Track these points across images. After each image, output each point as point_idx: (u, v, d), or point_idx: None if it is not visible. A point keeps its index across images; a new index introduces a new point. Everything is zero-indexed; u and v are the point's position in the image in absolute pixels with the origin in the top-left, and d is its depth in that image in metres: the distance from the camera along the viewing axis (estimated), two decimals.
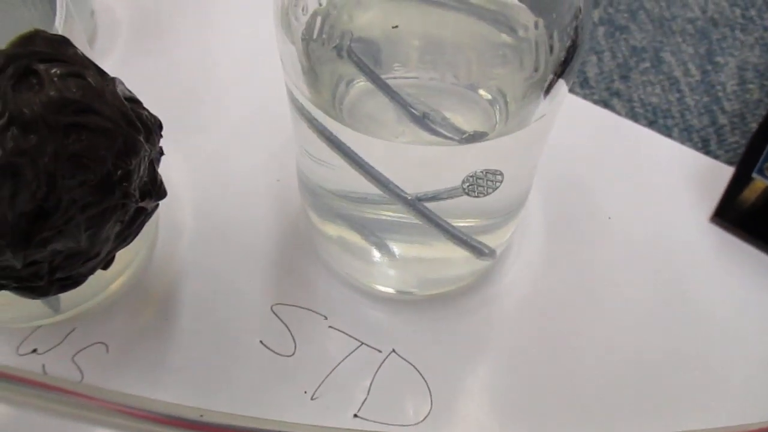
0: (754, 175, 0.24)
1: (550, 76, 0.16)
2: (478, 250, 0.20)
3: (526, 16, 0.17)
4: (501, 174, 0.18)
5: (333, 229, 0.22)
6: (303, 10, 0.17)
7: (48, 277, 0.16)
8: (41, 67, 0.14)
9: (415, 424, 0.20)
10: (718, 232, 0.24)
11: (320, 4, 0.17)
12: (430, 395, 0.21)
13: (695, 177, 0.26)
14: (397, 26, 0.18)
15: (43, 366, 0.21)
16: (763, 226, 0.24)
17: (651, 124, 0.28)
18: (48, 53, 0.15)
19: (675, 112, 0.28)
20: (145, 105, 0.17)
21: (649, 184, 0.26)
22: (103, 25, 0.29)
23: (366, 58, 0.18)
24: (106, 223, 0.16)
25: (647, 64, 0.30)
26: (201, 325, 0.22)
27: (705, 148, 0.27)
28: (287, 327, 0.22)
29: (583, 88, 0.29)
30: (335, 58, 0.17)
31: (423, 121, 0.18)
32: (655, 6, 0.32)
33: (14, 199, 0.13)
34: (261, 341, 0.22)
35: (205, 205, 0.25)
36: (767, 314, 0.22)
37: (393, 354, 0.22)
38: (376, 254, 0.21)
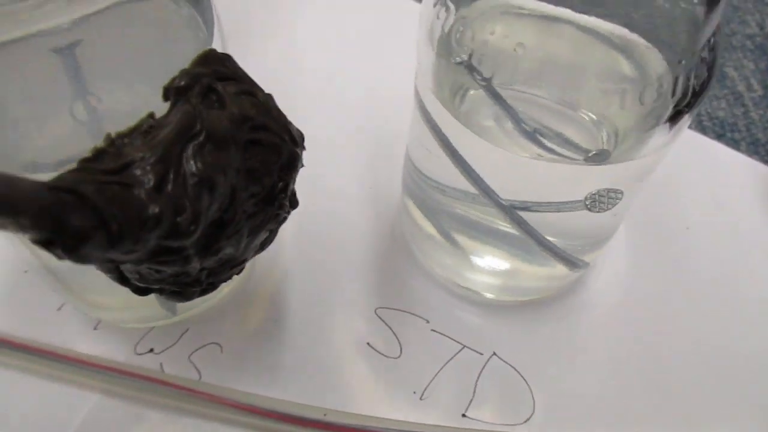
0: None
1: (675, 109, 0.17)
2: (574, 263, 0.21)
3: (655, 58, 0.17)
4: (621, 192, 0.19)
5: (435, 231, 0.23)
6: (443, 23, 0.19)
7: (205, 283, 0.17)
8: (219, 85, 0.15)
9: (521, 423, 0.21)
10: None
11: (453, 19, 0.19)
12: (532, 396, 0.22)
13: (764, 188, 0.27)
14: (521, 44, 0.19)
15: (161, 365, 0.22)
16: None
17: (719, 137, 0.29)
18: (223, 71, 0.16)
19: (741, 126, 0.29)
20: None
21: (723, 194, 0.27)
22: None
23: (485, 70, 0.19)
24: (261, 232, 0.17)
25: None
26: (309, 327, 0.23)
27: None
28: (392, 330, 0.23)
29: None
30: (457, 68, 0.19)
31: (533, 136, 0.19)
32: None
33: (207, 211, 0.14)
34: (368, 343, 0.23)
35: (303, 211, 0.25)
36: None
37: (494, 356, 0.23)
38: (476, 260, 0.22)
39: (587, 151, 0.18)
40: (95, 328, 0.23)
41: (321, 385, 0.22)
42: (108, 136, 0.14)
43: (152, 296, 0.21)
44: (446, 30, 0.19)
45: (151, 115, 0.15)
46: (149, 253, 0.13)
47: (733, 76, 0.31)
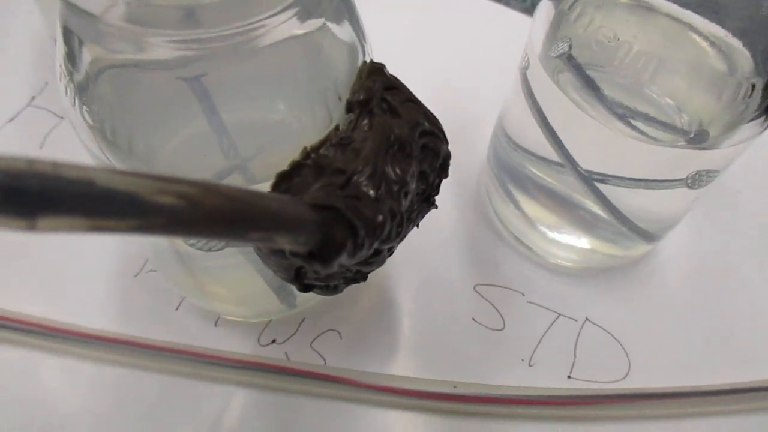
0: None
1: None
2: (652, 237, 0.24)
3: (745, 57, 0.19)
4: (718, 172, 0.21)
5: (520, 209, 0.24)
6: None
7: (357, 275, 0.18)
8: (387, 95, 0.16)
9: (621, 379, 0.24)
10: None
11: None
12: (626, 355, 0.24)
13: None
14: (618, 38, 0.20)
15: (286, 354, 0.23)
16: None
17: None
18: (387, 82, 0.17)
19: None
20: None
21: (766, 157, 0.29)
22: None
23: (581, 58, 0.20)
24: (411, 225, 0.18)
25: None
26: (418, 307, 0.24)
27: None
28: (492, 305, 0.25)
29: None
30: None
31: (627, 121, 0.21)
32: None
33: (405, 213, 0.16)
34: (473, 318, 0.24)
35: None
36: None
37: (587, 322, 0.25)
38: (558, 237, 0.24)
39: (685, 132, 0.20)
40: (216, 325, 0.24)
41: (437, 361, 0.23)
42: (304, 149, 0.15)
43: (271, 291, 0.23)
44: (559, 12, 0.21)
45: (336, 128, 0.16)
46: (366, 257, 0.15)
47: None
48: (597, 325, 0.25)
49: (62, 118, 0.28)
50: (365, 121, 0.15)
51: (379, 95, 0.16)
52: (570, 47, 0.21)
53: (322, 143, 0.16)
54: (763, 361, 0.24)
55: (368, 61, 0.17)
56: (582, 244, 0.24)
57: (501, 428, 0.22)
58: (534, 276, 0.25)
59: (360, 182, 0.14)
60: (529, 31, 0.22)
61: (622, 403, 0.23)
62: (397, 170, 0.15)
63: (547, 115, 0.22)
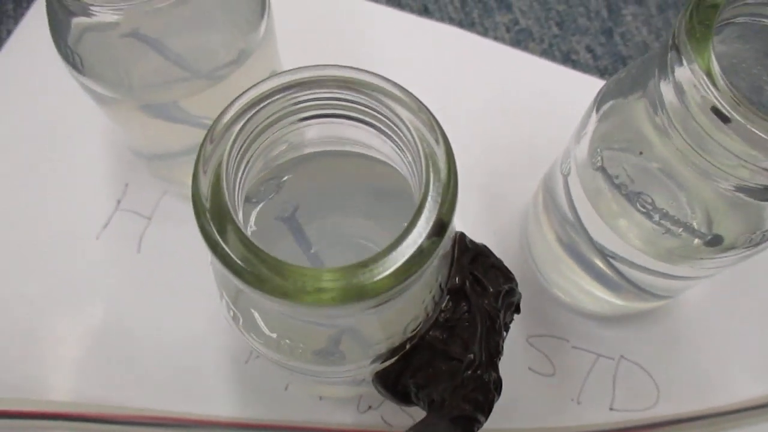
0: None
1: None
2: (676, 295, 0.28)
3: None
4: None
5: (567, 274, 0.29)
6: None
7: None
8: (474, 269, 0.20)
9: (652, 406, 0.29)
10: None
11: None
12: (656, 384, 0.29)
13: None
14: (641, 153, 0.24)
15: (382, 417, 0.28)
16: None
17: None
18: (471, 254, 0.21)
19: None
20: None
21: None
22: None
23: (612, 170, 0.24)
24: None
25: None
26: None
27: None
28: (543, 353, 0.30)
29: None
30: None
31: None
32: None
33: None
34: (529, 367, 0.29)
35: None
36: None
37: (622, 359, 0.30)
38: (600, 290, 0.29)
39: (702, 235, 0.24)
40: (320, 399, 0.29)
41: (502, 409, 0.29)
42: (418, 334, 0.20)
43: None
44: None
45: (443, 310, 0.20)
46: None
47: None
48: (630, 361, 0.30)
49: (149, 218, 0.31)
50: (464, 305, 0.20)
51: (469, 274, 0.20)
52: (602, 159, 0.24)
53: (432, 325, 0.20)
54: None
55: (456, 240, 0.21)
56: (614, 300, 0.29)
57: None
58: (576, 323, 0.30)
59: (474, 374, 0.18)
60: (572, 141, 0.25)
61: (655, 429, 0.28)
62: (492, 344, 0.19)
63: (580, 213, 0.25)
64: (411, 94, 0.17)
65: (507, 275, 0.21)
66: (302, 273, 0.15)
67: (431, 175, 0.16)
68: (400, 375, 0.20)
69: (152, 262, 0.30)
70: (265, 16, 0.25)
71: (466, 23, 0.36)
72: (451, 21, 0.36)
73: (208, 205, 0.16)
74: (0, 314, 0.29)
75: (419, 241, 0.15)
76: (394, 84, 0.17)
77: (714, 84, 0.18)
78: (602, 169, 0.24)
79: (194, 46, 0.24)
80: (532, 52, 0.36)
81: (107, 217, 0.31)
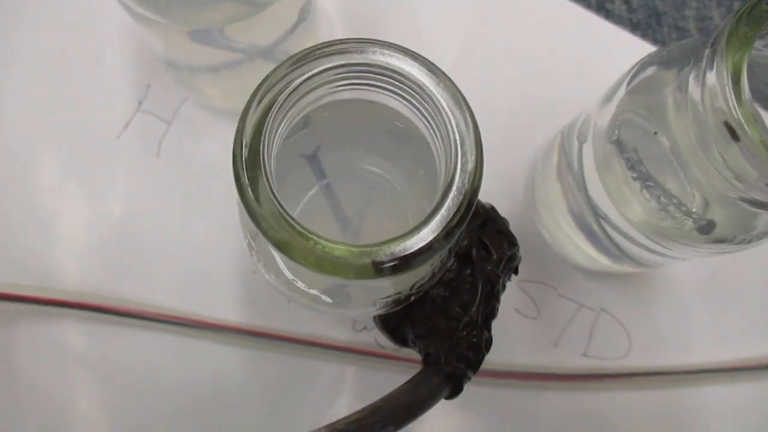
0: None
1: None
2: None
3: None
4: None
5: (566, 230, 0.30)
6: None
7: None
8: (486, 238, 0.22)
9: (622, 357, 0.32)
10: None
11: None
12: (629, 338, 0.32)
13: None
14: (656, 133, 0.24)
15: (375, 339, 0.31)
16: None
17: None
18: (481, 219, 0.22)
19: None
20: None
21: None
22: (324, 33, 0.33)
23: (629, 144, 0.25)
24: None
25: None
26: None
27: None
28: (531, 297, 0.32)
29: None
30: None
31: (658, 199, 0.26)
32: None
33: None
34: (516, 309, 0.32)
35: None
36: None
37: (602, 311, 0.32)
38: (593, 251, 0.30)
39: (698, 218, 0.25)
40: (319, 315, 0.31)
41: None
42: (422, 290, 0.21)
43: None
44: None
45: (448, 270, 0.21)
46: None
47: None
48: (609, 314, 0.32)
49: (170, 123, 0.32)
50: (468, 268, 0.21)
51: (477, 239, 0.21)
52: (618, 132, 0.25)
53: (438, 281, 0.21)
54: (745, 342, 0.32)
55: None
56: (604, 261, 0.30)
57: (532, 397, 0.30)
58: (566, 273, 0.32)
59: (470, 335, 0.20)
60: (595, 108, 0.26)
61: (620, 378, 0.31)
62: (489, 307, 0.21)
63: (587, 180, 0.26)
64: (453, 85, 0.17)
65: (511, 241, 0.22)
66: (324, 246, 0.16)
67: (459, 163, 0.17)
68: (401, 322, 0.22)
69: (171, 167, 0.31)
70: None
71: None
72: None
73: (246, 152, 0.17)
74: (23, 201, 0.31)
75: (438, 231, 0.16)
76: (441, 74, 0.17)
77: (738, 99, 0.18)
78: (617, 143, 0.25)
79: None
80: None
81: (129, 117, 0.32)
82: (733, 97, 0.18)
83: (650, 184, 0.24)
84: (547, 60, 0.34)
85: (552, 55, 0.34)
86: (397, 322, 0.22)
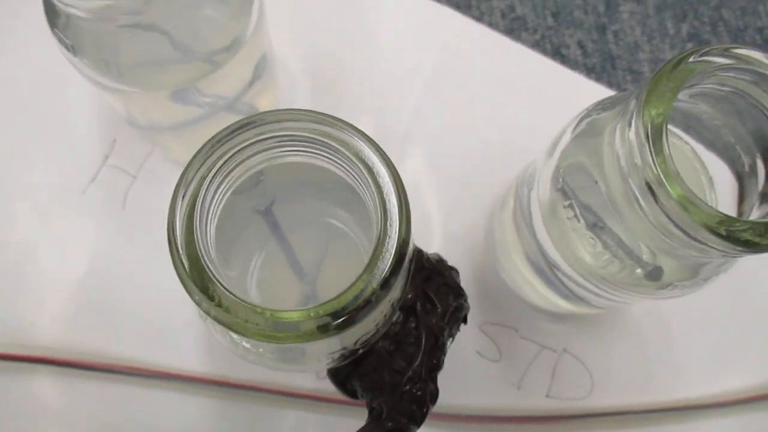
0: None
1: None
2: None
3: None
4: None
5: (524, 274, 0.31)
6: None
7: None
8: (430, 291, 0.22)
9: (585, 397, 0.32)
10: None
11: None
12: (591, 378, 0.32)
13: None
14: (596, 181, 0.25)
15: None
16: None
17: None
18: (426, 273, 0.22)
19: None
20: None
21: None
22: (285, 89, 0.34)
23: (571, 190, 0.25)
24: None
25: None
26: None
27: None
28: (492, 340, 0.32)
29: None
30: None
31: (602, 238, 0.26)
32: (731, 16, 0.38)
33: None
34: (477, 351, 0.32)
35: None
36: None
37: (564, 352, 0.32)
38: (551, 294, 0.31)
39: (645, 264, 0.26)
40: None
41: (446, 389, 0.31)
42: (368, 344, 0.22)
43: None
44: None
45: (394, 323, 0.22)
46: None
47: None
48: (572, 354, 0.32)
49: (135, 177, 0.32)
50: (412, 321, 0.22)
51: (422, 293, 0.22)
52: (563, 180, 0.26)
53: (383, 335, 0.22)
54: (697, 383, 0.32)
55: (414, 253, 0.23)
56: (562, 304, 0.31)
57: None
58: (527, 315, 0.33)
59: (413, 389, 0.21)
60: (542, 156, 0.26)
61: (583, 419, 0.31)
62: (434, 359, 0.21)
63: (535, 227, 0.27)
64: (384, 155, 0.18)
65: (457, 292, 0.23)
66: (256, 318, 0.16)
67: (388, 217, 0.17)
68: (350, 375, 0.22)
69: (136, 220, 0.32)
70: (256, 3, 0.26)
71: (463, 4, 0.36)
72: (449, 2, 0.36)
73: (183, 247, 0.17)
74: None
75: (366, 293, 0.16)
76: (371, 143, 0.18)
77: (657, 156, 0.18)
78: (562, 190, 0.26)
79: (191, 29, 0.24)
80: (524, 42, 0.36)
81: (95, 171, 0.32)
82: (652, 154, 0.18)
83: (594, 232, 0.25)
84: (506, 106, 0.35)
85: (510, 101, 0.35)
86: (346, 375, 0.22)
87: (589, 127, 0.25)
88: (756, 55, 0.19)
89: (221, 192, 0.19)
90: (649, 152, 0.18)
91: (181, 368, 0.31)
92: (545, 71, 0.35)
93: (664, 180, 0.18)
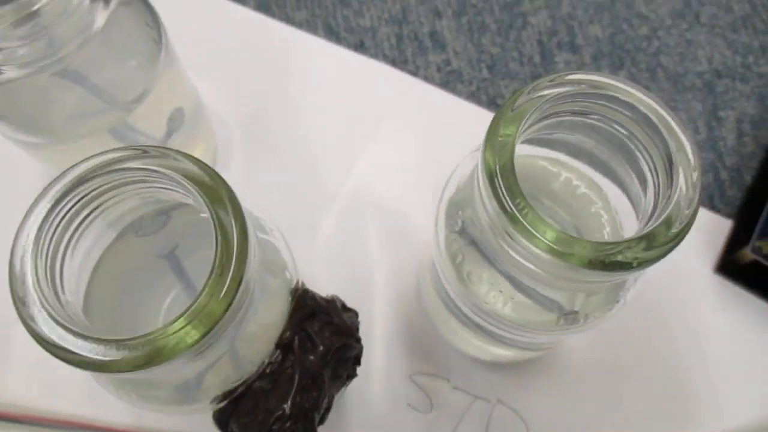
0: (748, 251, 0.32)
1: None
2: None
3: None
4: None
5: (451, 324, 0.30)
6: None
7: None
8: (311, 329, 0.22)
9: None
10: (722, 283, 0.33)
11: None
12: (527, 427, 0.31)
13: (701, 231, 0.34)
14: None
15: None
16: (762, 281, 0.32)
17: None
18: (306, 311, 0.22)
19: None
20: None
21: None
22: (222, 140, 0.35)
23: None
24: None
25: None
26: (359, 396, 0.31)
27: (710, 203, 0.35)
28: (423, 391, 0.31)
29: None
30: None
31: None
32: (670, 62, 0.38)
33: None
34: (408, 404, 0.31)
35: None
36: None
37: (499, 402, 0.31)
38: (478, 342, 0.30)
39: (561, 308, 0.25)
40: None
41: None
42: (245, 383, 0.21)
43: None
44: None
45: (271, 362, 0.22)
46: None
47: (684, 120, 0.37)
48: (506, 405, 0.31)
49: None
50: (289, 363, 0.21)
51: (301, 330, 0.22)
52: (463, 223, 0.25)
53: (261, 374, 0.21)
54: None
55: (296, 290, 0.23)
56: (492, 349, 0.30)
57: None
58: (458, 364, 0.32)
59: (282, 429, 0.20)
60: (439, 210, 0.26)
61: None
62: (310, 399, 0.21)
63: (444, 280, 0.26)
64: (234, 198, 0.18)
65: (343, 332, 0.23)
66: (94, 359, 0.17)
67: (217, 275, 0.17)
68: (230, 416, 0.22)
69: None
70: (162, 51, 0.27)
71: (400, 60, 0.37)
72: (385, 58, 0.37)
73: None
74: None
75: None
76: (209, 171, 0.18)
77: (508, 199, 0.18)
78: (461, 232, 0.25)
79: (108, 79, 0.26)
80: (459, 94, 0.37)
81: None
82: (493, 201, 0.18)
83: (488, 272, 0.24)
84: (445, 148, 0.35)
85: (449, 146, 0.35)
86: (227, 417, 0.22)
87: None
88: (579, 76, 0.19)
89: (81, 228, 0.19)
90: (491, 198, 0.18)
91: (105, 419, 0.30)
92: (481, 121, 0.36)
93: (508, 225, 0.18)
